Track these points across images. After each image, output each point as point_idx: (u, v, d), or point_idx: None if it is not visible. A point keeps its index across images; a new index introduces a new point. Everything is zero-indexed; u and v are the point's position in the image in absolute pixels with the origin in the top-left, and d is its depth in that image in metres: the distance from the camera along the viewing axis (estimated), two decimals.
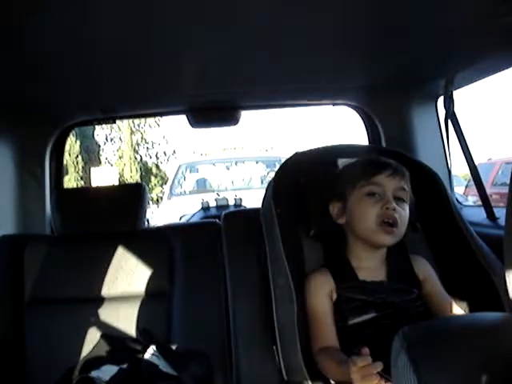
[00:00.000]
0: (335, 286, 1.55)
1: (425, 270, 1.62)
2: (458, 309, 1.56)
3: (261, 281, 1.70)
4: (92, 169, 13.84)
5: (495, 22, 1.42)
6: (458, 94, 2.12)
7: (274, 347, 1.56)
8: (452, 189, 2.24)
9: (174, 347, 1.81)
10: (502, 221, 2.01)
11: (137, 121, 22.20)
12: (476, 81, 2.08)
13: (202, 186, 7.52)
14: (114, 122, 2.62)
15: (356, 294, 1.53)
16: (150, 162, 23.51)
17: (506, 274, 0.71)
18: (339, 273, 1.57)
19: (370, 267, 1.58)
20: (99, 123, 2.60)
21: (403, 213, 1.54)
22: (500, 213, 2.07)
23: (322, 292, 1.54)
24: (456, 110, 2.10)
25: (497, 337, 0.68)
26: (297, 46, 1.65)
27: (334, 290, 1.54)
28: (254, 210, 1.84)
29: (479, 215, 2.09)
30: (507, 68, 1.86)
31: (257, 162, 7.88)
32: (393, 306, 1.50)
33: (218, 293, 1.90)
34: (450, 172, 2.29)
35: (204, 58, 1.71)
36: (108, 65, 1.69)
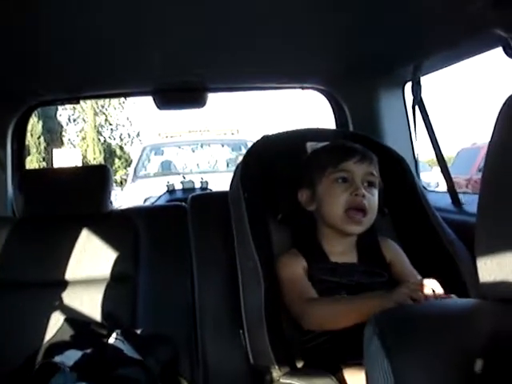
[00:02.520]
0: (307, 266, 1.55)
1: (393, 250, 1.63)
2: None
3: (228, 264, 1.69)
4: (54, 150, 13.62)
5: (463, 10, 1.42)
6: (426, 80, 2.13)
7: (241, 331, 1.55)
8: (418, 174, 2.25)
9: (139, 331, 1.79)
10: (466, 207, 2.03)
11: (100, 102, 21.88)
12: (444, 67, 2.09)
13: (166, 168, 7.46)
14: (78, 103, 2.57)
15: (328, 275, 1.53)
16: (114, 144, 23.23)
17: (478, 262, 0.71)
18: (310, 255, 1.57)
19: (340, 250, 1.58)
20: (62, 103, 2.55)
21: (372, 198, 1.55)
22: (464, 199, 2.09)
23: (297, 265, 1.54)
24: (423, 96, 2.12)
25: (469, 322, 0.68)
26: (265, 29, 1.63)
27: (306, 269, 1.54)
28: (221, 194, 1.82)
29: (444, 201, 2.11)
30: (474, 55, 1.87)
31: (222, 145, 7.85)
32: (364, 288, 1.51)
33: (184, 276, 1.89)
34: (415, 157, 2.31)
35: (171, 39, 1.69)
36: (73, 43, 1.65)
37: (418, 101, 2.12)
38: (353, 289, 1.50)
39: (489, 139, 0.71)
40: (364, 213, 1.52)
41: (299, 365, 1.49)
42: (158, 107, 2.51)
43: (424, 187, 2.34)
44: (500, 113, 0.69)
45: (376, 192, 1.57)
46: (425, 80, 2.12)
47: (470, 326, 0.67)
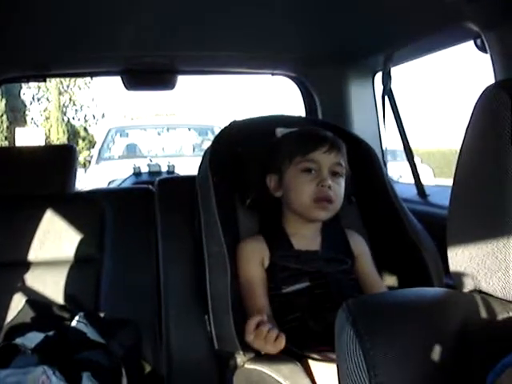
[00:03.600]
0: (269, 253, 1.55)
1: (360, 245, 1.64)
2: (384, 289, 1.59)
3: (194, 249, 1.68)
4: (17, 129, 13.33)
5: (437, 1, 1.43)
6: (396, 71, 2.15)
7: (206, 316, 1.55)
8: (385, 164, 2.27)
9: (102, 315, 1.78)
10: (431, 198, 2.06)
11: (65, 81, 21.46)
12: (414, 59, 2.10)
13: (131, 151, 7.38)
14: (44, 81, 2.52)
15: (290, 262, 1.53)
16: (78, 125, 22.86)
17: (449, 253, 0.72)
18: (274, 241, 1.57)
19: (305, 236, 1.58)
20: (28, 80, 2.49)
21: (338, 188, 1.55)
22: (430, 190, 2.12)
23: (255, 259, 1.54)
24: (393, 86, 2.13)
25: (440, 311, 0.69)
26: (236, 13, 1.62)
27: (268, 257, 1.55)
28: (189, 178, 1.80)
29: (410, 192, 2.14)
30: (446, 48, 1.89)
31: (189, 130, 7.79)
32: (326, 275, 1.52)
33: (150, 260, 1.87)
34: (383, 147, 2.33)
35: (141, 19, 1.66)
36: (41, 18, 1.61)
37: (388, 91, 2.13)
38: (315, 276, 1.51)
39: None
40: (330, 201, 1.52)
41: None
42: (126, 88, 2.47)
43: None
44: (475, 105, 0.69)
45: (342, 181, 1.57)
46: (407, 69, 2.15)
47: (442, 314, 0.68)
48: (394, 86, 2.12)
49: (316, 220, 1.58)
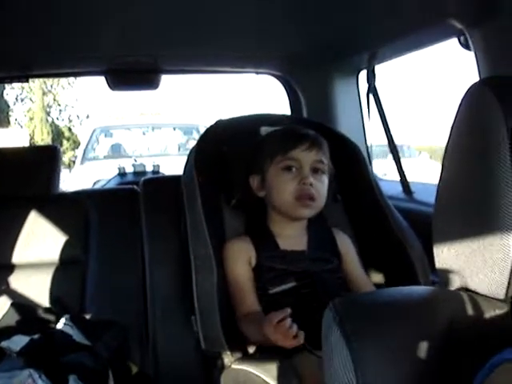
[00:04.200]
0: (256, 253, 1.54)
1: (346, 244, 1.64)
2: (372, 288, 1.59)
3: (180, 249, 1.67)
4: (0, 130, 13.24)
5: (419, 0, 1.43)
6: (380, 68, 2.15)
7: (193, 317, 1.54)
8: (370, 162, 2.27)
9: (88, 317, 1.76)
10: (417, 195, 2.07)
11: (49, 81, 21.29)
12: (398, 56, 2.11)
13: (116, 151, 7.33)
14: (27, 81, 2.49)
15: (276, 263, 1.53)
16: (63, 125, 22.69)
17: (435, 250, 0.72)
18: (260, 241, 1.57)
19: (290, 236, 1.58)
20: (11, 81, 2.46)
21: (321, 186, 1.55)
22: (415, 187, 2.12)
23: (242, 258, 1.54)
24: (377, 84, 2.13)
25: (427, 309, 0.69)
26: (220, 11, 1.61)
27: (254, 257, 1.54)
28: (174, 178, 1.79)
29: (396, 189, 2.15)
30: (430, 45, 1.89)
31: (174, 129, 7.76)
32: (312, 275, 1.51)
33: (135, 261, 1.86)
34: (367, 145, 2.33)
35: (125, 19, 1.65)
36: (25, 19, 1.59)
37: (372, 89, 2.14)
38: (301, 276, 1.50)
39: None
40: (312, 199, 1.52)
41: (251, 350, 1.49)
42: (110, 87, 2.45)
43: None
44: (461, 103, 0.69)
45: (325, 179, 1.57)
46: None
47: (429, 313, 0.68)
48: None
49: (299, 218, 1.57)
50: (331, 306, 0.69)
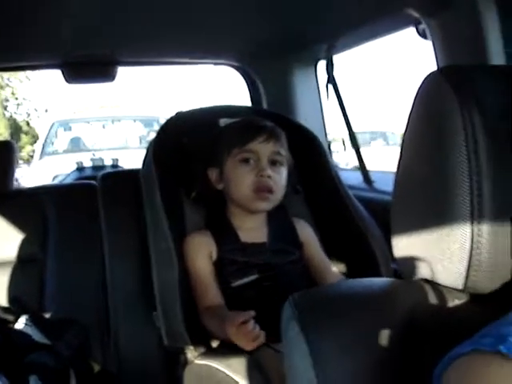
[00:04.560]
0: (216, 247, 1.53)
1: (306, 233, 1.64)
2: (336, 274, 1.59)
3: (140, 245, 1.65)
4: None
5: None
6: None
7: (155, 313, 1.52)
8: (330, 152, 2.28)
9: (48, 316, 1.73)
10: (377, 184, 2.08)
11: (6, 75, 20.84)
12: (356, 46, 2.11)
13: (76, 145, 7.22)
14: None
15: (237, 256, 1.52)
16: (20, 119, 22.26)
17: (393, 241, 0.72)
18: (221, 235, 1.55)
19: (251, 228, 1.57)
20: None
21: (279, 178, 1.54)
22: (375, 176, 2.13)
23: (202, 252, 1.52)
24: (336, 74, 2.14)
25: (386, 302, 0.68)
26: (177, 3, 1.59)
27: (215, 251, 1.53)
28: (133, 171, 1.77)
29: (356, 178, 2.15)
30: (388, 34, 1.90)
31: (134, 121, 7.68)
32: (274, 267, 1.51)
33: (95, 258, 1.83)
34: (327, 135, 2.34)
35: (80, 10, 1.61)
36: None
37: (331, 79, 2.14)
38: (263, 268, 1.50)
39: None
40: (270, 192, 1.51)
41: (215, 345, 1.48)
42: (66, 81, 2.40)
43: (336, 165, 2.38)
44: (417, 92, 0.69)
45: (283, 170, 1.56)
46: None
47: (389, 304, 0.68)
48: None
49: (258, 211, 1.56)
50: (290, 300, 0.68)
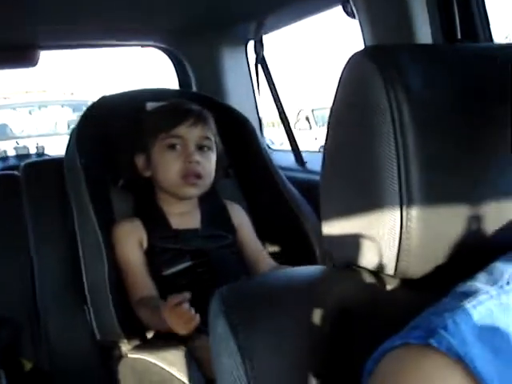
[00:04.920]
0: (147, 235, 1.49)
1: (239, 217, 1.62)
2: (269, 259, 1.57)
3: (67, 237, 1.58)
4: None
5: None
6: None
7: (85, 307, 1.47)
8: (262, 134, 2.26)
9: None
10: (309, 165, 2.07)
11: None
12: (286, 25, 2.09)
13: (2, 132, 6.95)
14: None
15: (169, 243, 1.49)
16: None
17: (323, 227, 0.70)
18: (151, 222, 1.51)
19: (182, 214, 1.54)
20: None
21: (207, 163, 1.51)
22: (308, 157, 2.12)
23: (131, 240, 1.48)
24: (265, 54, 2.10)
25: (314, 292, 0.66)
26: None
27: (146, 239, 1.49)
28: (58, 160, 1.69)
29: (288, 159, 2.14)
30: (316, 13, 1.88)
31: (62, 106, 7.45)
32: (207, 253, 1.48)
33: (20, 252, 1.75)
34: (259, 117, 2.31)
35: None
36: None
37: (261, 60, 2.10)
38: (196, 255, 1.47)
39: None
40: (199, 177, 1.48)
41: (149, 335, 1.44)
42: None
43: (268, 146, 2.36)
44: (342, 73, 0.66)
45: (212, 155, 1.53)
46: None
47: (319, 293, 0.65)
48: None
49: (187, 197, 1.53)
50: (217, 295, 0.65)
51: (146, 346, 1.38)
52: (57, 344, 1.65)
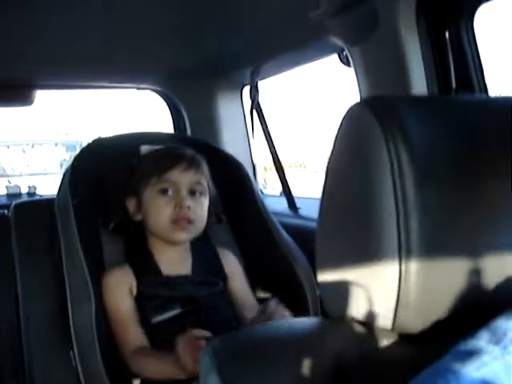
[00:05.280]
0: (136, 282, 1.46)
1: (231, 264, 1.60)
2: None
3: (56, 279, 1.55)
4: None
5: (302, 17, 1.42)
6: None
7: (71, 351, 1.43)
8: (256, 179, 2.25)
9: None
10: (302, 211, 2.06)
11: None
12: (281, 72, 2.11)
13: None
14: None
15: (159, 290, 1.46)
16: None
17: (318, 277, 0.68)
18: (141, 268, 1.48)
19: (173, 260, 1.51)
20: None
21: (199, 209, 1.49)
22: (300, 203, 2.12)
23: (121, 290, 1.45)
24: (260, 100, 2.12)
25: (311, 344, 0.64)
26: (98, 24, 1.54)
27: (135, 286, 1.46)
28: (49, 200, 1.67)
29: (281, 204, 2.13)
30: (312, 61, 1.91)
31: (56, 145, 7.45)
32: (197, 300, 1.45)
33: (8, 295, 1.71)
34: (253, 162, 2.31)
35: None
36: None
37: (256, 105, 2.12)
38: (186, 302, 1.44)
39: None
40: (190, 222, 1.46)
41: (136, 382, 1.40)
42: None
43: (261, 191, 2.36)
44: (341, 124, 0.66)
45: (204, 200, 1.51)
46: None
47: (313, 348, 0.64)
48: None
49: (177, 242, 1.51)
50: (208, 348, 0.62)
51: None
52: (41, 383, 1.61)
